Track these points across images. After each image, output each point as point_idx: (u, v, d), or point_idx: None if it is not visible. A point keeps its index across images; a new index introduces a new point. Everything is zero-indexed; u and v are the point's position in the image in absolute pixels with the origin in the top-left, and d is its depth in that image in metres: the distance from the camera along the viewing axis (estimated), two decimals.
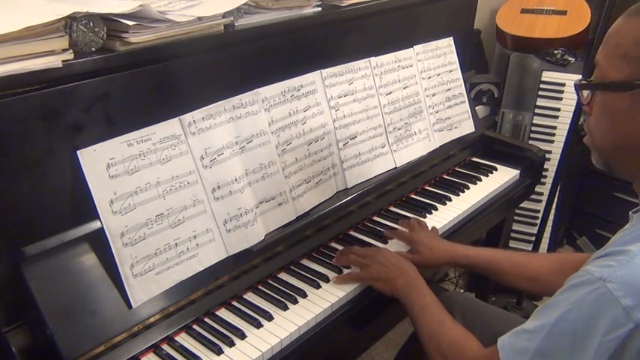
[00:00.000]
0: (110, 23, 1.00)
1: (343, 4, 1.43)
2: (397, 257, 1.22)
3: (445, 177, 1.70)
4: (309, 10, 1.37)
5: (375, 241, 1.37)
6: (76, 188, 0.98)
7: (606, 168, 0.90)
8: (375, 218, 1.48)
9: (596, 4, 2.10)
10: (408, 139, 1.57)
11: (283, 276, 1.24)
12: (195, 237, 1.09)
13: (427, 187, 1.64)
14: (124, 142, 1.01)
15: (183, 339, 1.07)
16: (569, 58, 2.08)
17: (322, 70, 1.36)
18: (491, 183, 1.67)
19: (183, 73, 1.14)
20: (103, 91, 1.01)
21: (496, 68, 2.37)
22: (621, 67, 0.80)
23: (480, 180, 1.68)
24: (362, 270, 1.20)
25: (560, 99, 2.11)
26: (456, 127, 1.72)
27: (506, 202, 1.66)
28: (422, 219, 1.45)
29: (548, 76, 2.11)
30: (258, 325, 1.08)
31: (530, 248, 2.22)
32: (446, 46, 1.71)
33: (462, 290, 2.40)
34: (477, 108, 2.01)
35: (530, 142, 2.11)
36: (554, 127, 2.13)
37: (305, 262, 1.29)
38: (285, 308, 1.13)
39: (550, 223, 2.17)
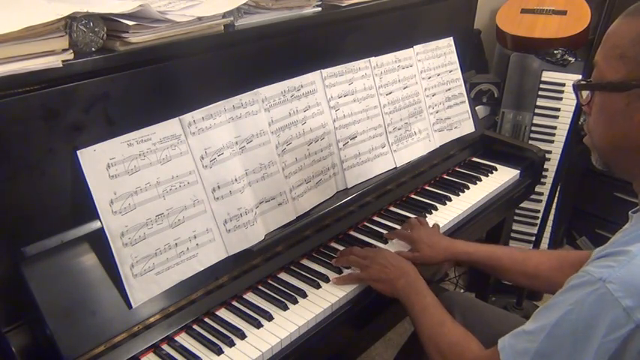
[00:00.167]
0: (110, 23, 1.00)
1: (343, 4, 1.43)
2: (397, 258, 1.22)
3: (445, 177, 1.70)
4: (309, 10, 1.37)
5: (375, 241, 1.37)
6: (76, 188, 0.98)
7: (606, 168, 0.91)
8: (375, 218, 1.48)
9: (596, 4, 2.10)
10: (408, 139, 1.57)
11: (283, 276, 1.24)
12: (195, 237, 1.09)
13: (427, 187, 1.64)
14: (124, 142, 1.01)
15: (183, 339, 1.07)
16: (569, 58, 2.08)
17: (322, 70, 1.36)
18: (491, 183, 1.67)
19: (183, 73, 1.14)
20: (103, 91, 1.01)
21: (496, 68, 2.37)
22: (618, 68, 0.80)
23: (480, 180, 1.68)
24: (362, 271, 1.20)
25: (560, 99, 2.11)
26: (456, 127, 1.72)
27: (506, 202, 1.66)
28: (422, 218, 1.45)
29: (548, 76, 2.11)
30: (258, 325, 1.08)
31: (531, 248, 2.22)
32: (446, 46, 1.71)
33: (462, 290, 2.40)
34: (477, 108, 2.01)
35: (530, 142, 2.11)
36: (554, 127, 2.13)
37: (305, 262, 1.29)
38: (285, 308, 1.13)
39: (550, 223, 2.17)
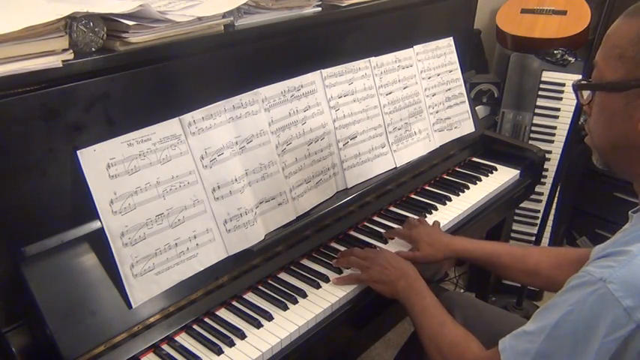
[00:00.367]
0: (110, 23, 1.00)
1: (343, 4, 1.43)
2: (397, 259, 1.22)
3: (445, 177, 1.70)
4: (309, 10, 1.37)
5: (375, 241, 1.37)
6: (76, 188, 0.98)
7: (606, 167, 0.91)
8: (375, 218, 1.48)
9: (596, 4, 2.10)
10: (408, 139, 1.57)
11: (283, 276, 1.24)
12: (195, 237, 1.09)
13: (427, 187, 1.64)
14: (124, 142, 1.01)
15: (183, 339, 1.07)
16: (569, 58, 2.08)
17: (322, 70, 1.36)
18: (491, 183, 1.67)
19: (183, 73, 1.14)
20: (103, 91, 1.01)
21: (496, 68, 2.37)
22: (617, 68, 0.80)
23: (480, 180, 1.68)
24: (362, 272, 1.20)
25: (560, 99, 2.11)
26: (456, 127, 1.72)
27: (506, 202, 1.66)
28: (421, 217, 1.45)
29: (548, 76, 2.11)
30: (258, 325, 1.08)
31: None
32: (446, 46, 1.71)
33: (462, 290, 2.40)
34: (477, 108, 2.01)
35: (530, 142, 2.11)
36: (554, 127, 2.13)
37: (305, 262, 1.29)
38: (285, 308, 1.13)
39: (550, 223, 2.17)
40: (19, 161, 0.93)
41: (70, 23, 0.94)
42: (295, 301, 1.15)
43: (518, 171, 1.73)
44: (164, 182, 1.06)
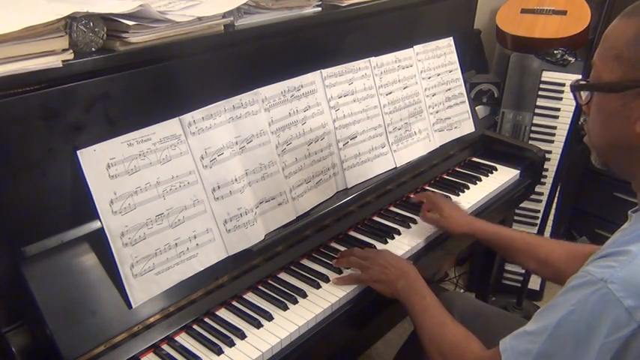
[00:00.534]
0: (110, 23, 1.00)
1: (343, 4, 1.43)
2: (397, 259, 1.22)
3: (445, 177, 1.70)
4: (309, 10, 1.37)
5: (375, 241, 1.37)
6: (76, 188, 0.98)
7: (604, 167, 0.91)
8: (375, 218, 1.48)
9: (596, 4, 2.09)
10: (408, 139, 1.57)
11: (283, 276, 1.24)
12: (195, 237, 1.09)
13: (427, 187, 1.64)
14: (124, 142, 1.01)
15: (183, 339, 1.07)
16: (569, 58, 2.08)
17: (322, 70, 1.36)
18: (491, 183, 1.67)
19: (183, 73, 1.14)
20: (103, 91, 1.01)
21: (496, 68, 2.37)
22: (614, 69, 0.81)
23: (480, 180, 1.68)
24: (362, 272, 1.20)
25: (560, 99, 2.11)
26: (456, 127, 1.72)
27: (506, 202, 1.66)
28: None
29: (548, 76, 2.11)
30: (258, 325, 1.08)
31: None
32: (446, 46, 1.71)
33: (462, 290, 2.40)
34: (477, 108, 2.01)
35: (530, 142, 2.10)
36: (554, 127, 2.12)
37: (305, 262, 1.29)
38: (285, 308, 1.13)
39: (550, 223, 2.17)
40: (19, 161, 0.93)
41: (70, 23, 0.94)
42: (295, 301, 1.15)
43: (518, 171, 1.73)
44: (164, 182, 1.06)
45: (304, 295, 1.17)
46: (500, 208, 1.64)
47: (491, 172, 1.72)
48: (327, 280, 1.22)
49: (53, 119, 0.95)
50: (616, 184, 2.30)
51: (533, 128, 2.15)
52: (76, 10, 0.93)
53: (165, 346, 1.05)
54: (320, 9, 1.39)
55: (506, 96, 2.16)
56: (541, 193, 2.17)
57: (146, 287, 1.03)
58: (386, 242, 1.37)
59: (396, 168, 1.53)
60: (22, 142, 0.92)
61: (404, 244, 1.36)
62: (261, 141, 1.21)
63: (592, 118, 0.88)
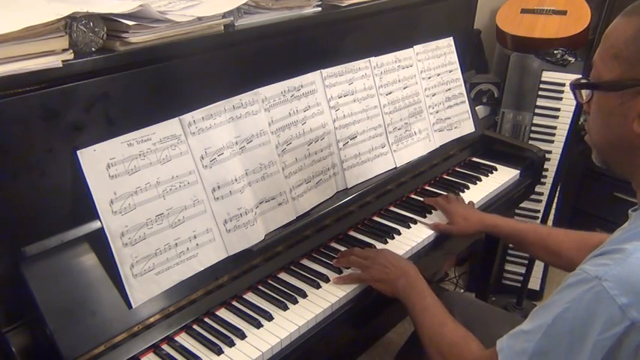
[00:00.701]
0: (110, 23, 1.00)
1: (343, 4, 1.43)
2: (398, 258, 1.22)
3: (445, 177, 1.70)
4: (309, 10, 1.37)
5: (375, 241, 1.37)
6: (76, 188, 0.98)
7: (604, 165, 0.91)
8: (375, 218, 1.48)
9: (596, 4, 2.10)
10: (408, 139, 1.57)
11: (283, 276, 1.24)
12: (195, 237, 1.09)
13: (427, 187, 1.64)
14: (124, 142, 1.01)
15: (183, 339, 1.07)
16: (569, 58, 2.08)
17: (322, 70, 1.36)
18: (491, 183, 1.67)
19: (183, 73, 1.14)
20: (103, 91, 1.01)
21: (496, 68, 2.37)
22: (613, 68, 0.81)
23: (480, 180, 1.68)
24: (363, 271, 1.20)
25: (560, 99, 2.11)
26: (455, 127, 1.72)
27: (506, 202, 1.66)
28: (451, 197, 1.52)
29: (548, 76, 2.11)
30: (258, 325, 1.08)
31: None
32: (446, 46, 1.71)
33: (462, 290, 2.40)
34: (477, 108, 2.01)
35: (530, 142, 2.11)
36: (554, 127, 2.13)
37: (305, 262, 1.29)
38: (285, 308, 1.13)
39: (550, 223, 2.17)
40: (19, 161, 0.93)
41: (70, 23, 0.94)
42: (295, 301, 1.15)
43: (518, 171, 1.73)
44: (164, 182, 1.06)
45: (304, 295, 1.17)
46: (500, 208, 1.64)
47: (491, 172, 1.72)
48: (327, 280, 1.22)
49: (53, 119, 0.95)
50: (616, 184, 2.30)
51: (533, 128, 2.15)
52: (76, 10, 0.93)
53: (165, 346, 1.05)
54: (320, 9, 1.39)
55: (506, 96, 2.16)
56: (541, 193, 2.17)
57: (146, 287, 1.03)
58: (386, 242, 1.37)
59: (396, 168, 1.53)
60: (22, 142, 0.92)
61: (404, 244, 1.36)
62: (261, 141, 1.21)
63: (592, 116, 0.88)
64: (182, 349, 1.04)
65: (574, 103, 2.01)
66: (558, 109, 2.12)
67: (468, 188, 1.63)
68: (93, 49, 0.99)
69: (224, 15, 1.16)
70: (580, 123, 1.92)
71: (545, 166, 1.89)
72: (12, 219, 0.94)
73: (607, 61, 0.82)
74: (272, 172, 1.23)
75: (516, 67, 2.14)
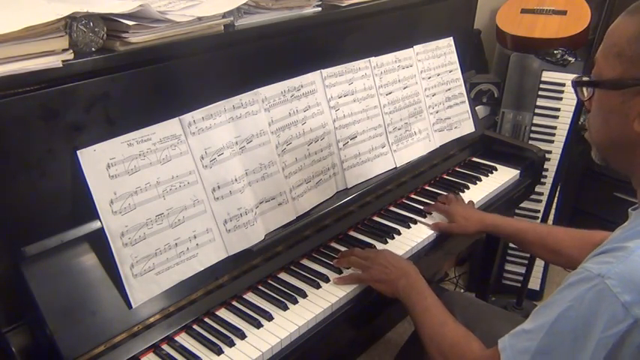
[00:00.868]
0: (110, 23, 1.00)
1: (343, 4, 1.43)
2: (397, 259, 1.22)
3: (445, 177, 1.70)
4: (309, 10, 1.37)
5: (375, 241, 1.37)
6: (76, 188, 0.98)
7: (604, 163, 0.92)
8: (375, 218, 1.48)
9: (596, 4, 2.09)
10: (408, 139, 1.57)
11: (283, 276, 1.24)
12: (195, 237, 1.09)
13: (427, 187, 1.63)
14: (124, 142, 1.01)
15: (183, 339, 1.07)
16: (569, 58, 2.08)
17: (322, 70, 1.36)
18: (491, 183, 1.67)
19: (183, 73, 1.14)
20: (103, 91, 1.01)
21: (496, 68, 2.37)
22: (615, 66, 0.81)
23: (480, 180, 1.68)
24: (363, 272, 1.20)
25: (560, 99, 2.11)
26: (456, 127, 1.72)
27: (506, 202, 1.66)
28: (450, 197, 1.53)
29: (548, 76, 2.11)
30: (258, 325, 1.08)
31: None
32: (446, 46, 1.71)
33: (462, 290, 2.40)
34: (477, 108, 2.01)
35: (530, 142, 2.10)
36: (554, 127, 2.12)
37: (305, 262, 1.29)
38: (285, 308, 1.13)
39: (550, 223, 2.17)
40: (19, 161, 0.93)
41: (70, 23, 0.94)
42: (295, 301, 1.15)
43: (518, 171, 1.73)
44: (164, 182, 1.06)
45: (304, 295, 1.17)
46: (500, 208, 1.64)
47: (491, 172, 1.72)
48: (327, 280, 1.22)
49: (53, 119, 0.95)
50: (616, 183, 2.30)
51: (533, 128, 2.15)
52: (76, 10, 0.93)
53: (165, 346, 1.05)
54: (320, 9, 1.39)
55: (506, 96, 2.16)
56: (541, 193, 2.16)
57: (146, 287, 1.03)
58: (386, 242, 1.37)
59: (396, 168, 1.53)
60: (22, 142, 0.92)
61: (404, 244, 1.36)
62: (261, 141, 1.21)
63: (593, 114, 0.88)
64: (182, 349, 1.04)
65: (574, 103, 2.01)
66: (558, 109, 2.12)
67: (468, 188, 1.63)
68: (93, 49, 0.99)
69: (224, 15, 1.16)
70: (580, 123, 1.92)
71: (545, 166, 1.89)
72: (12, 219, 0.94)
73: (609, 59, 0.82)
74: (272, 172, 1.23)
75: (516, 67, 2.14)
